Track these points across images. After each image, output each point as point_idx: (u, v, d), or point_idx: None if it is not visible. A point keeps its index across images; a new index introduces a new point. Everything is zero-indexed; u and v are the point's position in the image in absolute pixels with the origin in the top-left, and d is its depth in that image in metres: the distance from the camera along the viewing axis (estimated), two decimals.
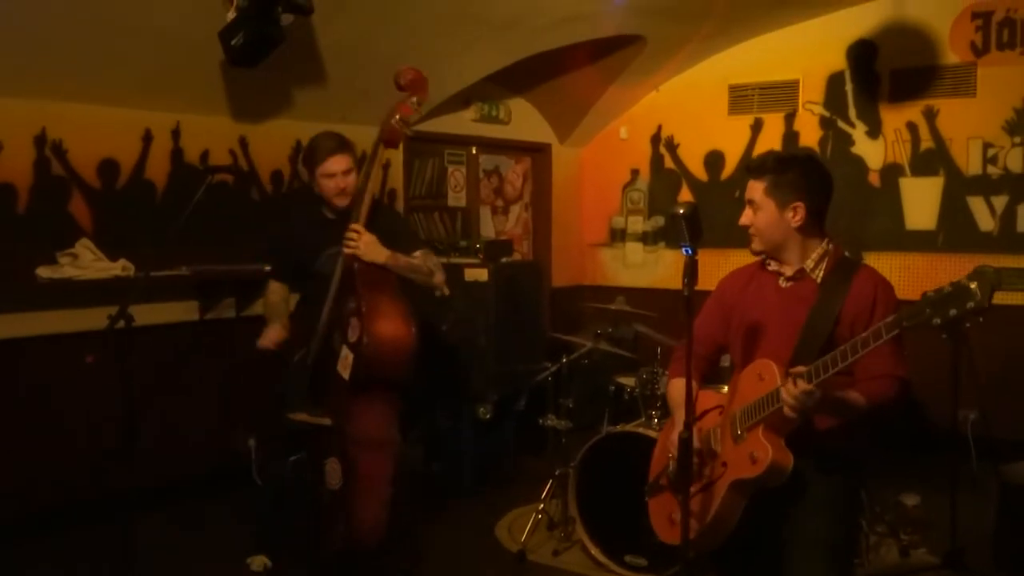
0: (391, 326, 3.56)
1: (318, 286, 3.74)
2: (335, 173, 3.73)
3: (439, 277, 3.90)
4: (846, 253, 2.76)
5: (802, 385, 2.34)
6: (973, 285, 2.07)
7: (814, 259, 2.68)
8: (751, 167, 2.74)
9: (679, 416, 2.82)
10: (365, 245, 3.60)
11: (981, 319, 2.10)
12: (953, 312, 2.09)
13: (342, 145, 3.76)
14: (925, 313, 2.14)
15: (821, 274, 2.66)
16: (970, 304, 2.07)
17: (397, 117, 3.65)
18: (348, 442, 3.60)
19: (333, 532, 3.66)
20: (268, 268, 4.18)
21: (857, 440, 2.66)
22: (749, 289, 2.81)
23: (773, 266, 2.76)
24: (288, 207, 5.48)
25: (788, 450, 2.52)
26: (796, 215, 2.64)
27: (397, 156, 6.44)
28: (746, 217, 2.72)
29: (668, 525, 2.85)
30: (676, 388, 2.91)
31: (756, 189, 2.69)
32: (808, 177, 2.67)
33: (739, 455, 2.60)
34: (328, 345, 3.70)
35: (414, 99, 3.67)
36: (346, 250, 3.60)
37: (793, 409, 2.38)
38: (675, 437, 2.69)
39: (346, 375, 3.59)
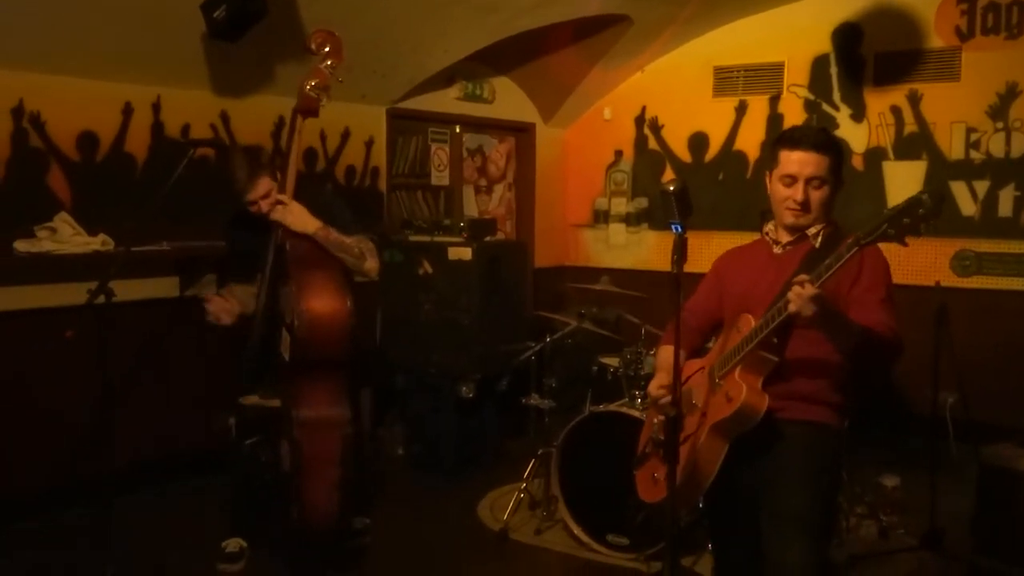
0: (321, 303, 3.47)
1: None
2: (256, 200, 3.67)
3: (370, 263, 3.73)
4: None
5: (810, 289, 2.33)
6: (924, 196, 2.18)
7: (817, 227, 2.71)
8: (816, 141, 2.65)
9: (661, 374, 2.85)
10: (293, 214, 3.53)
11: (933, 224, 2.20)
12: (906, 221, 2.19)
13: (254, 171, 3.66)
14: (882, 228, 2.23)
15: (820, 240, 2.69)
16: (921, 211, 2.16)
17: (313, 83, 3.52)
18: (293, 424, 3.52)
19: (288, 514, 3.60)
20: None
21: (837, 407, 2.68)
22: (742, 259, 2.88)
23: (771, 234, 2.79)
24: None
25: (764, 393, 2.55)
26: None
27: (380, 134, 6.40)
28: (802, 192, 2.63)
29: (651, 484, 2.88)
30: (663, 352, 2.97)
31: (822, 165, 2.64)
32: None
33: (717, 400, 2.64)
34: (273, 327, 3.64)
35: (328, 63, 3.54)
36: (273, 215, 3.53)
37: (797, 306, 2.34)
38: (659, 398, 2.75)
39: (287, 356, 3.53)
